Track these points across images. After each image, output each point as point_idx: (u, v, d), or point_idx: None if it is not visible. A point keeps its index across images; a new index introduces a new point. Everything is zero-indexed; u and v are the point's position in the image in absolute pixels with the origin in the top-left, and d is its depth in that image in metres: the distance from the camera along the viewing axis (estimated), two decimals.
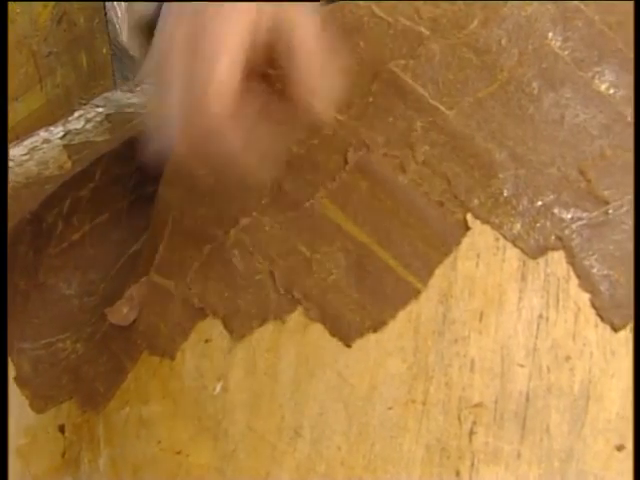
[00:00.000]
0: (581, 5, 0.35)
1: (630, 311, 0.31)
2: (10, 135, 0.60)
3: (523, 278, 0.32)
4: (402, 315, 0.32)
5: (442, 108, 0.34)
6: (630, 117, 0.33)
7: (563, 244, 0.32)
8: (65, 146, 0.54)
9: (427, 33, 0.35)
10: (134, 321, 0.40)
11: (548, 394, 0.31)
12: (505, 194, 0.32)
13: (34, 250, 0.48)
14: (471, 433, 0.31)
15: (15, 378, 0.43)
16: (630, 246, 0.32)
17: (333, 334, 0.33)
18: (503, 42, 0.34)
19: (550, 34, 0.34)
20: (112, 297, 0.43)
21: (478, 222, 0.32)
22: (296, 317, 0.34)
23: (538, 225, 0.32)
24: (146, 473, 0.36)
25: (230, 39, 0.28)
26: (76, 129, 0.56)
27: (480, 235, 0.32)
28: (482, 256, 0.32)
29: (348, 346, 0.33)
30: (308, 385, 0.33)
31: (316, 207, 0.34)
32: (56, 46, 0.75)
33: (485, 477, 0.30)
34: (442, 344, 0.32)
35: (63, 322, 0.47)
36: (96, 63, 0.87)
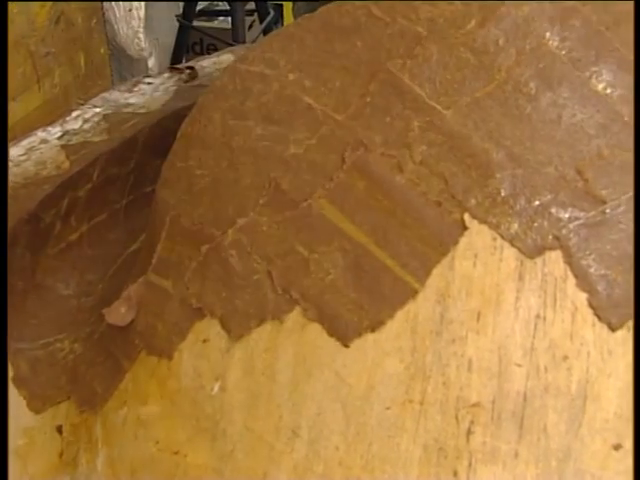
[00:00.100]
0: (578, 5, 0.35)
1: (628, 310, 0.31)
2: (8, 135, 0.59)
3: (520, 278, 0.32)
4: (400, 315, 0.32)
5: (439, 108, 0.34)
6: (627, 117, 0.33)
7: (560, 244, 0.32)
8: (63, 146, 0.54)
9: (425, 33, 0.35)
10: (132, 321, 0.40)
11: (545, 394, 0.31)
12: (502, 194, 0.32)
13: (32, 250, 0.48)
14: (469, 433, 0.31)
15: (13, 378, 0.43)
16: (627, 246, 0.32)
17: (331, 334, 0.33)
18: (500, 42, 0.35)
19: (547, 34, 0.34)
20: (110, 297, 0.43)
21: (475, 222, 0.32)
22: (294, 317, 0.34)
23: (535, 225, 0.32)
24: (144, 473, 0.36)
25: None
26: (74, 129, 0.56)
27: (477, 235, 0.32)
28: (479, 256, 0.32)
29: (346, 346, 0.33)
30: (306, 385, 0.33)
31: (314, 207, 0.34)
32: (54, 46, 0.75)
33: (483, 477, 0.30)
34: (440, 344, 0.32)
35: (61, 322, 0.47)
36: (94, 63, 0.87)
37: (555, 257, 0.32)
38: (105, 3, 1.22)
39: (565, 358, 0.31)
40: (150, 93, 0.62)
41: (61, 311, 0.48)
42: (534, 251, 0.32)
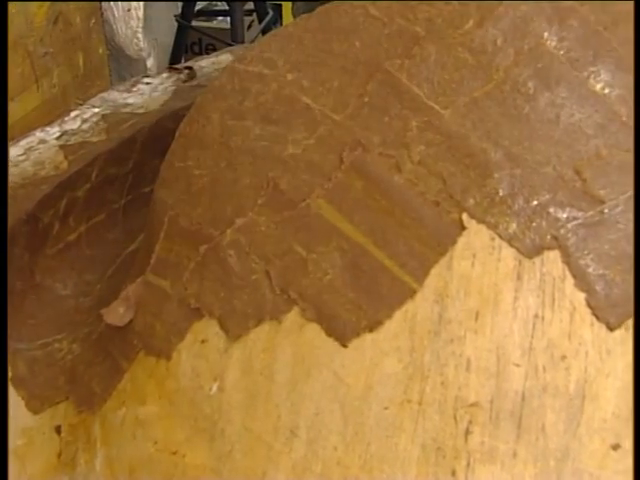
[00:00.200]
0: (576, 5, 0.35)
1: (626, 310, 0.31)
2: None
3: (519, 277, 0.32)
4: (398, 315, 0.32)
5: (437, 108, 0.34)
6: (625, 117, 0.33)
7: (559, 243, 0.32)
8: (61, 146, 0.54)
9: (422, 33, 0.35)
10: (130, 321, 0.40)
11: (544, 393, 0.31)
12: (501, 194, 0.32)
13: (30, 251, 0.48)
14: (467, 433, 0.31)
15: (11, 378, 0.43)
16: (626, 245, 0.32)
17: (329, 334, 0.33)
18: (498, 42, 0.35)
19: (545, 34, 0.35)
20: (108, 297, 0.43)
21: (474, 222, 0.32)
22: (292, 317, 0.34)
23: (534, 224, 0.32)
24: (142, 473, 0.36)
25: None
26: (72, 129, 0.56)
27: (476, 235, 0.32)
28: (478, 256, 0.32)
29: (344, 346, 0.33)
30: (304, 385, 0.33)
31: (312, 207, 0.34)
32: (52, 46, 0.75)
33: (481, 476, 0.30)
34: (438, 344, 0.32)
35: (59, 322, 0.47)
36: (92, 63, 0.87)
37: (553, 257, 0.32)
38: (104, 3, 1.22)
39: (563, 358, 0.31)
40: (149, 93, 0.62)
41: (59, 311, 0.48)
42: (532, 251, 0.32)
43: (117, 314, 0.40)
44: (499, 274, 0.32)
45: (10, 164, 0.52)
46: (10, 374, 0.43)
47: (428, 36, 0.35)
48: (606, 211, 0.32)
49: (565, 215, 0.32)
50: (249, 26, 1.80)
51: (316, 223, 0.34)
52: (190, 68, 0.66)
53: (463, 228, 0.32)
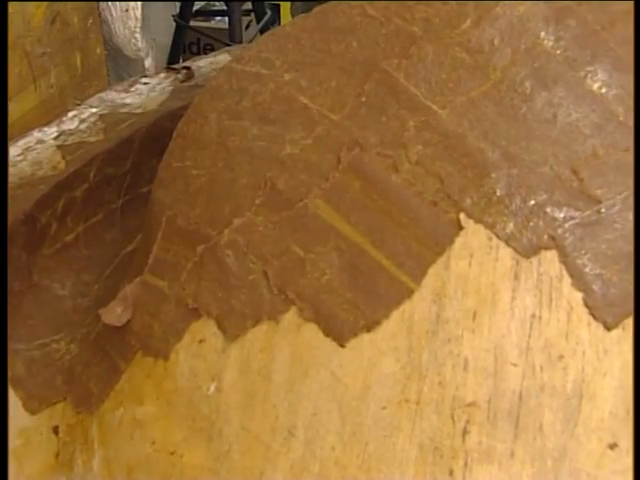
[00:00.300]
0: (573, 4, 0.35)
1: (623, 310, 0.31)
2: None
3: (516, 277, 0.32)
4: (395, 315, 0.32)
5: (435, 107, 0.34)
6: (622, 116, 0.33)
7: (556, 243, 0.32)
8: (59, 146, 0.54)
9: (420, 33, 0.35)
10: (128, 322, 0.40)
11: (541, 393, 0.31)
12: (498, 193, 0.32)
13: (28, 251, 0.48)
14: (464, 432, 0.31)
15: (9, 379, 0.43)
16: (623, 245, 0.32)
17: (327, 334, 0.33)
18: (496, 42, 0.35)
19: (543, 33, 0.35)
20: (106, 298, 0.43)
21: (471, 221, 0.32)
22: (290, 317, 0.34)
23: (531, 224, 0.32)
24: (140, 474, 0.36)
25: None
26: (70, 129, 0.56)
27: (473, 234, 0.32)
28: (475, 255, 0.32)
29: (342, 346, 0.33)
30: (302, 385, 0.33)
31: (310, 207, 0.34)
32: (50, 46, 0.75)
33: (478, 476, 0.30)
34: (435, 343, 0.32)
35: (57, 323, 0.47)
36: (90, 63, 0.87)
37: (550, 256, 0.32)
38: (101, 3, 1.22)
39: (561, 357, 0.31)
40: (146, 93, 0.62)
41: (57, 311, 0.48)
42: (530, 251, 0.32)
43: (115, 314, 0.40)
44: (496, 274, 0.32)
45: (8, 164, 0.52)
46: (8, 374, 0.43)
47: (425, 36, 0.35)
48: (603, 211, 0.32)
49: (562, 215, 0.32)
50: (247, 26, 1.80)
51: (314, 223, 0.34)
52: (188, 68, 0.66)
53: (460, 228, 0.32)
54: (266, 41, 0.40)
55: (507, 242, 0.32)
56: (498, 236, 0.32)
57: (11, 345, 0.44)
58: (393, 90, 0.35)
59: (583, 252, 0.32)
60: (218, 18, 1.87)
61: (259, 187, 0.36)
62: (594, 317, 0.31)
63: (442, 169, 0.33)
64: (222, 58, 0.69)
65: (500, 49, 0.34)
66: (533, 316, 0.31)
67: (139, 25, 1.44)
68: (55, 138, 0.55)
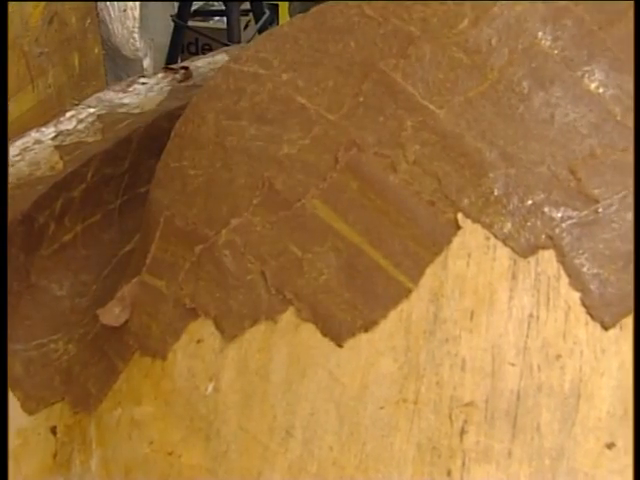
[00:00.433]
0: (571, 4, 0.35)
1: (620, 309, 0.31)
2: None
3: (514, 277, 0.32)
4: (393, 314, 0.32)
5: (432, 107, 0.34)
6: (620, 116, 0.33)
7: (553, 243, 0.32)
8: (57, 147, 0.54)
9: (417, 33, 0.35)
10: (126, 322, 0.40)
11: (539, 393, 0.31)
12: (496, 193, 0.32)
13: (26, 251, 0.48)
14: (462, 432, 0.31)
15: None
16: (620, 245, 0.32)
17: (324, 334, 0.33)
18: (493, 42, 0.35)
19: (540, 33, 0.35)
20: (104, 298, 0.43)
21: (469, 221, 0.32)
22: (287, 317, 0.34)
23: (528, 224, 0.32)
24: (138, 474, 0.36)
25: None
26: (68, 130, 0.56)
27: (471, 234, 0.32)
28: (473, 255, 0.32)
29: (339, 346, 0.33)
30: (299, 385, 0.33)
31: (307, 207, 0.34)
32: (47, 46, 0.75)
33: (476, 476, 0.30)
34: (433, 343, 0.32)
35: (55, 323, 0.47)
36: (88, 63, 0.87)
37: (548, 256, 0.32)
38: (99, 3, 1.22)
39: (558, 357, 0.31)
40: (144, 93, 0.62)
41: (55, 312, 0.48)
42: (527, 250, 0.32)
43: (113, 314, 0.40)
44: (494, 273, 0.32)
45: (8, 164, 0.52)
46: None
47: (423, 36, 0.35)
48: (600, 210, 0.32)
49: (560, 214, 0.32)
50: (245, 26, 1.79)
51: (311, 223, 0.34)
52: (186, 68, 0.66)
53: (458, 228, 0.32)
54: (264, 41, 0.40)
55: (505, 242, 0.32)
56: (496, 236, 0.32)
57: (9, 345, 0.44)
58: (391, 90, 0.35)
59: (581, 252, 0.32)
60: (216, 18, 1.87)
61: (257, 187, 0.36)
62: (592, 317, 0.31)
63: (440, 169, 0.33)
64: (220, 58, 0.69)
65: (497, 49, 0.34)
66: (531, 316, 0.31)
67: (137, 25, 1.44)
68: (53, 138, 0.55)
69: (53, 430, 0.41)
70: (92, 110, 0.58)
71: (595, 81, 0.34)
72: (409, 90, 0.34)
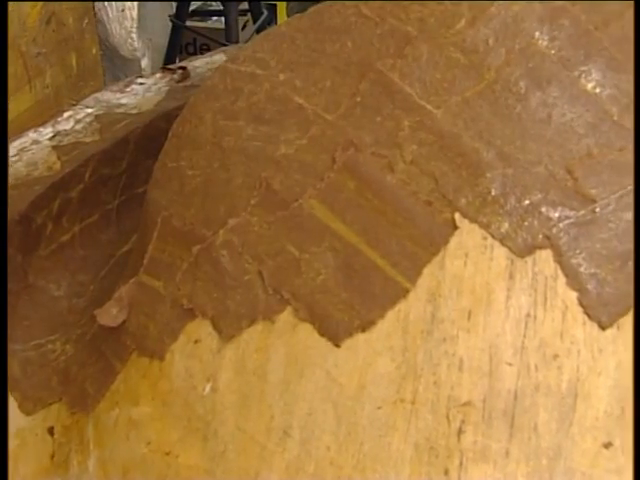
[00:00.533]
0: (568, 5, 0.36)
1: (617, 309, 0.31)
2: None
3: (511, 277, 0.32)
4: (391, 314, 0.32)
5: (430, 107, 0.34)
6: (616, 116, 0.33)
7: (551, 243, 0.32)
8: (54, 147, 0.54)
9: (414, 33, 0.35)
10: (123, 322, 0.40)
11: (536, 392, 0.31)
12: (493, 193, 0.32)
13: (23, 251, 0.48)
14: (460, 432, 0.31)
15: None
16: (617, 244, 0.32)
17: (322, 334, 0.33)
18: (490, 41, 0.35)
19: (537, 33, 0.35)
20: (102, 298, 0.43)
21: (466, 221, 0.32)
22: (285, 317, 0.34)
23: (526, 224, 0.32)
24: (135, 474, 0.36)
25: None
26: (65, 130, 0.56)
27: (468, 234, 0.32)
28: (470, 255, 0.32)
29: (337, 346, 0.33)
30: (297, 385, 0.33)
31: (304, 207, 0.34)
32: (45, 46, 0.75)
33: (474, 475, 0.30)
34: (431, 343, 0.32)
35: (53, 323, 0.47)
36: (86, 63, 0.87)
37: (545, 256, 0.32)
38: (97, 3, 1.22)
39: (555, 357, 0.31)
40: (142, 93, 0.62)
41: (53, 312, 0.47)
42: (524, 250, 0.32)
43: (110, 315, 0.40)
44: (491, 273, 0.32)
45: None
46: None
47: (420, 36, 0.35)
48: (597, 210, 0.32)
49: (557, 214, 0.32)
50: (243, 26, 1.79)
51: (309, 223, 0.34)
52: (184, 68, 0.66)
53: (455, 228, 0.32)
54: (261, 41, 0.40)
55: (502, 242, 0.32)
56: (493, 236, 0.32)
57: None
58: (388, 90, 0.35)
59: (578, 251, 0.32)
60: (215, 18, 1.87)
61: (254, 187, 0.36)
62: (589, 316, 0.31)
63: (437, 169, 0.33)
64: (218, 58, 0.69)
65: (495, 49, 0.34)
66: (528, 315, 0.31)
67: (135, 25, 1.44)
68: (50, 139, 0.55)
69: (50, 431, 0.41)
70: (90, 110, 0.58)
71: (592, 81, 0.34)
72: (406, 90, 0.34)
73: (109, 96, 0.61)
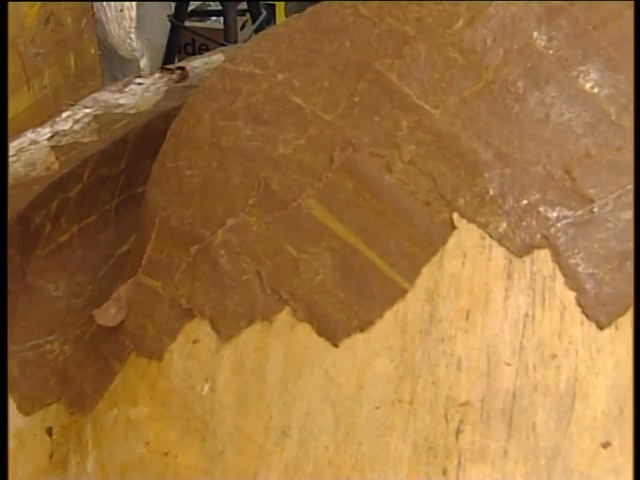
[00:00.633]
0: (566, 4, 0.36)
1: (615, 309, 0.31)
2: None
3: (509, 277, 0.32)
4: (389, 314, 0.32)
5: (428, 107, 0.34)
6: (614, 116, 0.33)
7: (549, 242, 0.32)
8: (53, 147, 0.54)
9: (412, 33, 0.35)
10: (122, 322, 0.40)
11: (534, 392, 0.31)
12: (491, 193, 0.32)
13: (22, 252, 0.48)
14: (458, 432, 0.31)
15: None
16: (615, 244, 0.32)
17: (320, 334, 0.33)
18: (488, 41, 0.35)
19: (535, 33, 0.35)
20: (100, 298, 0.43)
21: (464, 221, 0.32)
22: (283, 317, 0.34)
23: (524, 224, 0.32)
24: (134, 474, 0.36)
25: None
26: (64, 130, 0.56)
27: (466, 234, 0.32)
28: (468, 255, 0.32)
29: (335, 346, 0.33)
30: (295, 385, 0.33)
31: (303, 207, 0.34)
32: (43, 47, 0.75)
33: (472, 475, 0.30)
34: (429, 343, 0.32)
35: (51, 324, 0.47)
36: (84, 64, 0.87)
37: (543, 256, 0.32)
38: (96, 3, 1.22)
39: (554, 357, 0.31)
40: (141, 94, 0.62)
41: (51, 312, 0.47)
42: (522, 250, 0.32)
43: (109, 315, 0.40)
44: (490, 273, 0.32)
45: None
46: None
47: (418, 36, 0.35)
48: (595, 210, 0.32)
49: (555, 214, 0.32)
50: (242, 26, 1.79)
51: (307, 223, 0.34)
52: (182, 68, 0.66)
53: (454, 227, 0.32)
54: (259, 41, 0.40)
55: (500, 241, 0.32)
56: (491, 235, 0.32)
57: None
58: (386, 90, 0.35)
59: (576, 251, 0.32)
60: (213, 18, 1.87)
61: (252, 187, 0.36)
62: (587, 316, 0.31)
63: (435, 169, 0.33)
64: (217, 58, 0.69)
65: (493, 49, 0.34)
66: (526, 315, 0.31)
67: (134, 25, 1.44)
68: (49, 139, 0.55)
69: (49, 431, 0.41)
70: (88, 110, 0.58)
71: (590, 81, 0.34)
72: (404, 90, 0.34)
73: (107, 96, 0.61)
